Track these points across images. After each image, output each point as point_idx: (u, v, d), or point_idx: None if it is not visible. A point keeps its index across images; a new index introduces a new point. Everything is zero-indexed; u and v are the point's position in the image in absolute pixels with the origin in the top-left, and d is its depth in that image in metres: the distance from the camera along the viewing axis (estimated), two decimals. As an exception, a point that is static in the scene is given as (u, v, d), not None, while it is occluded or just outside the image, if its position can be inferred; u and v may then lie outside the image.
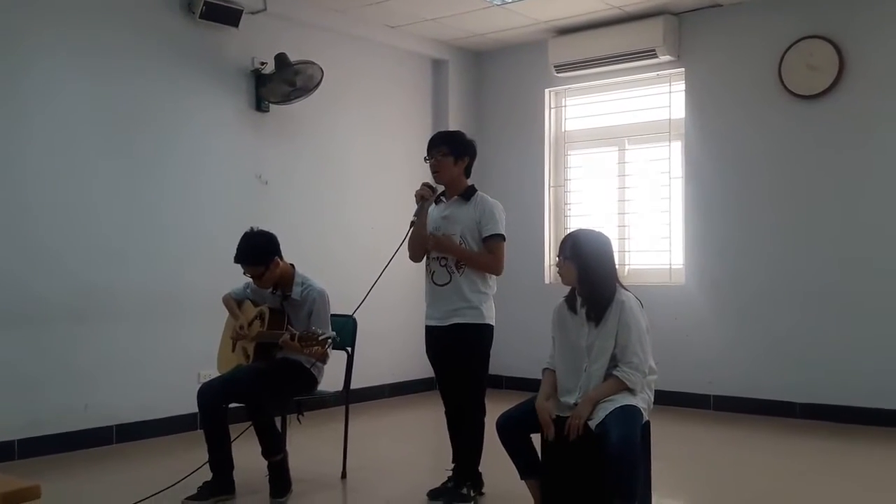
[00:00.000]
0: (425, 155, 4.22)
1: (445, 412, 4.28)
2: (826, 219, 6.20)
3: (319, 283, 4.45)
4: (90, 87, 5.35)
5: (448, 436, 4.28)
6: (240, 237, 4.37)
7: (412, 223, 4.15)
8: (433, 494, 4.16)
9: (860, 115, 6.05)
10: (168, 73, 5.75)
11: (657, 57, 6.71)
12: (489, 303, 4.16)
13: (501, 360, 7.25)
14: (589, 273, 3.51)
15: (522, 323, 7.27)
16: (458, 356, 4.13)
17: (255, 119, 6.28)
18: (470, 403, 4.14)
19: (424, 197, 4.17)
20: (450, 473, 4.21)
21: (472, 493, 4.10)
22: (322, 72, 6.14)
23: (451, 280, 4.11)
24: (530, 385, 6.26)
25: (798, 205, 6.31)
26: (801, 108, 6.26)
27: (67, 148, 5.22)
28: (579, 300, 3.57)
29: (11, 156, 4.98)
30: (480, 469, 4.19)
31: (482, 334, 4.13)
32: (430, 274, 4.19)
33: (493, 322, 4.17)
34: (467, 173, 4.25)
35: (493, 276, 4.20)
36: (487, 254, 4.12)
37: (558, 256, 3.61)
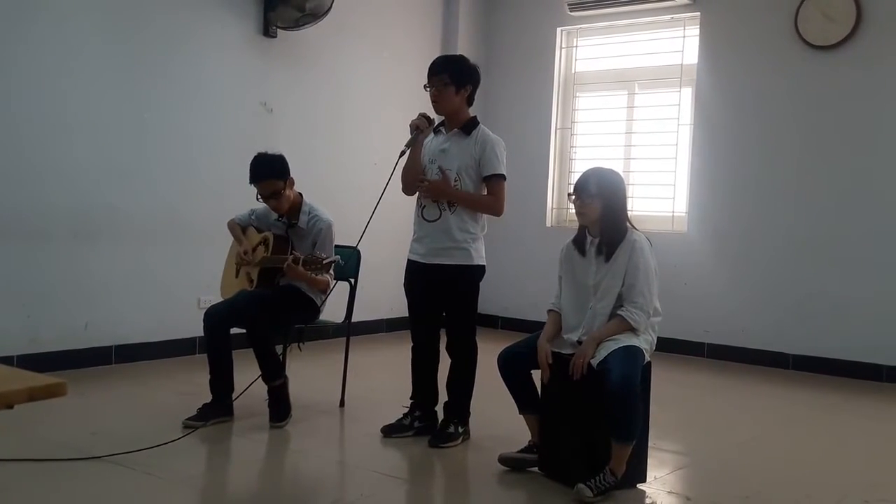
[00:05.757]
0: (426, 83, 3.95)
1: (412, 348, 4.15)
2: (833, 171, 6.16)
3: (327, 214, 4.39)
4: (96, 6, 5.22)
5: (410, 371, 4.16)
6: (244, 163, 4.31)
7: (402, 153, 3.94)
8: (387, 430, 4.06)
9: (876, 67, 5.98)
10: (175, -8, 5.63)
11: (673, -1, 6.62)
12: (478, 244, 3.99)
13: (498, 301, 7.32)
14: (611, 210, 3.48)
15: (521, 265, 7.30)
16: (441, 296, 4.01)
17: (262, 44, 6.16)
18: (461, 342, 4.04)
19: (419, 128, 3.94)
20: (406, 410, 4.15)
21: (459, 430, 3.99)
22: (332, -2, 6.02)
23: (440, 217, 3.94)
24: (526, 326, 6.32)
25: (805, 157, 6.27)
26: (817, 59, 6.18)
27: (73, 68, 5.12)
28: (589, 239, 3.55)
29: (19, 74, 4.89)
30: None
31: (468, 275, 3.97)
32: (421, 208, 4.02)
33: (482, 262, 4.01)
34: (469, 102, 4.01)
35: (484, 217, 4.02)
36: (487, 195, 3.95)
37: (571, 194, 3.56)
